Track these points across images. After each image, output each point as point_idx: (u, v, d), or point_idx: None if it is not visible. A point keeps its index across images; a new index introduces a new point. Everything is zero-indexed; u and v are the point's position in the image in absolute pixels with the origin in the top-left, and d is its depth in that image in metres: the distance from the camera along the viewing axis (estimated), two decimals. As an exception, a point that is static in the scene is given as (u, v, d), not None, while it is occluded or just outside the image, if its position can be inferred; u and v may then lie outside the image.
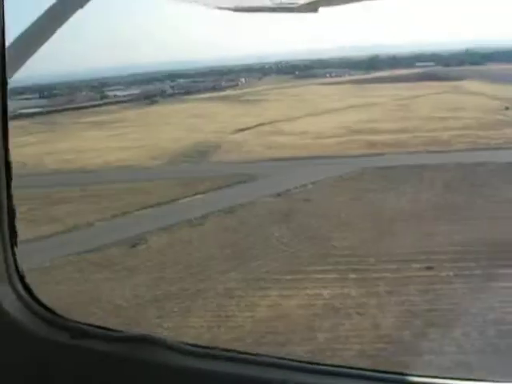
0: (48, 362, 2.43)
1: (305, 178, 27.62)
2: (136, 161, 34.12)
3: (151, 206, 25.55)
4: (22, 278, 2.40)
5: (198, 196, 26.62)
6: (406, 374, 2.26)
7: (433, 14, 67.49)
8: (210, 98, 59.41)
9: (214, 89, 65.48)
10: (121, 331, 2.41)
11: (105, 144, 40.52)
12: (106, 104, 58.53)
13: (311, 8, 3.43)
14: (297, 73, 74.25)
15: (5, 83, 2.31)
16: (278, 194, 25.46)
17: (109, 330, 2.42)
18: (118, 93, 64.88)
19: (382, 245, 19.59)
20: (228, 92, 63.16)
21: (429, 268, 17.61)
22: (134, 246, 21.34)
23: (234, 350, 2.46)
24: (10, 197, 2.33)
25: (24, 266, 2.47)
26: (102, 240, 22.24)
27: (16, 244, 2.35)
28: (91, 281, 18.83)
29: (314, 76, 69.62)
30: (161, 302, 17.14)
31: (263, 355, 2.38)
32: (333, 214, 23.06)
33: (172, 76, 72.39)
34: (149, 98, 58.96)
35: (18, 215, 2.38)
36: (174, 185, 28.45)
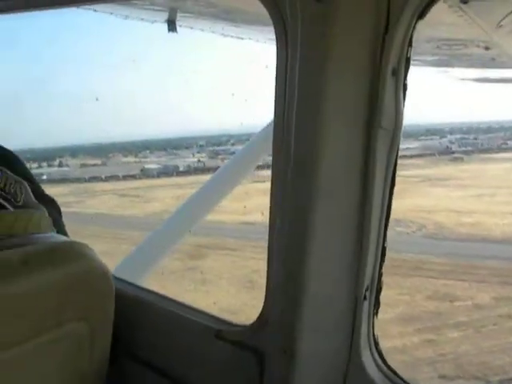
0: None
1: None
2: None
3: None
4: (376, 344, 2.53)
5: None
6: None
7: None
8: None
9: (501, 148, 59.13)
10: None
11: (478, 206, 34.88)
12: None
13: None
14: None
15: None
16: None
17: None
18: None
19: None
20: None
21: None
22: None
23: None
24: (381, 270, 2.36)
25: None
26: None
27: (377, 314, 2.46)
28: None
29: None
30: None
31: None
32: None
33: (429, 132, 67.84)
34: (448, 154, 53.72)
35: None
36: None
